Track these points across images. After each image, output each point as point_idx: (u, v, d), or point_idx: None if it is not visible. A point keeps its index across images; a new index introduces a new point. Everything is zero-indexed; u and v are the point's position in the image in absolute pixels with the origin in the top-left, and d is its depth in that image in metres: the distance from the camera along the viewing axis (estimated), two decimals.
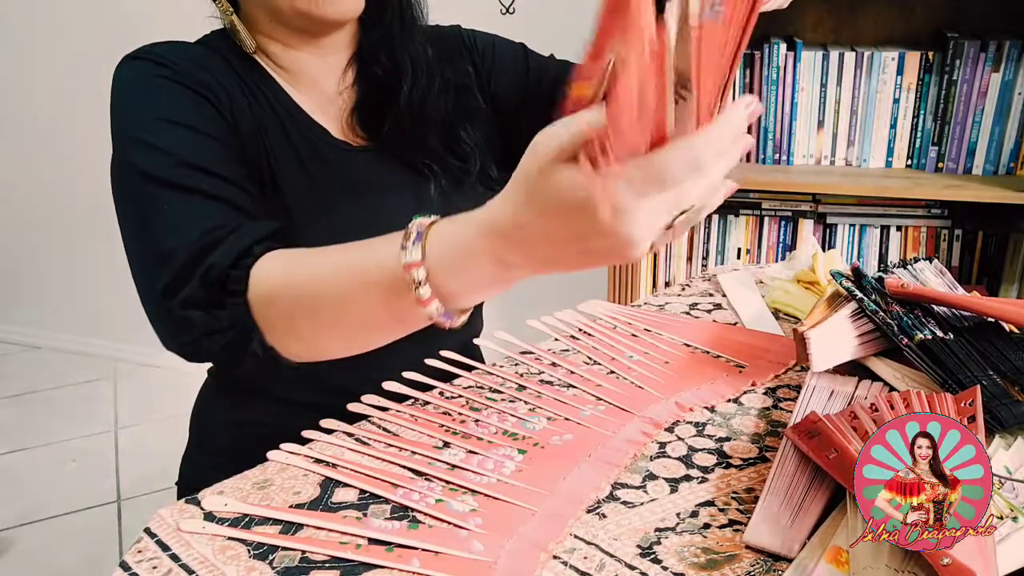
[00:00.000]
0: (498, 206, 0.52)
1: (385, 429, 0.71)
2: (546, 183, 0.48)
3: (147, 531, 0.58)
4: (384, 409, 0.73)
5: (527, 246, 0.51)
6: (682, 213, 0.49)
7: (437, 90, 0.88)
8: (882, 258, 1.72)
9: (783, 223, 1.75)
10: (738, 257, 1.78)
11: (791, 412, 0.71)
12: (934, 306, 0.78)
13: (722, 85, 0.45)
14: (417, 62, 0.87)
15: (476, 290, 0.57)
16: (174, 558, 0.55)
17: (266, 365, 0.67)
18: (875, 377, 0.74)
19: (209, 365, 0.93)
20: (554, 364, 0.82)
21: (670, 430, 0.70)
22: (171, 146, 0.71)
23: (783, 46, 1.66)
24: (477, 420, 0.71)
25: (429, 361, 0.80)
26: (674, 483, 0.63)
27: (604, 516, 0.59)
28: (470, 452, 0.67)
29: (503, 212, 0.52)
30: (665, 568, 0.53)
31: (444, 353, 0.82)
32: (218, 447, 0.91)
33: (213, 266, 0.65)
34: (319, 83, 0.86)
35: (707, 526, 0.58)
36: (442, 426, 0.71)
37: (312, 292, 0.63)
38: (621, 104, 0.42)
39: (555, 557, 0.55)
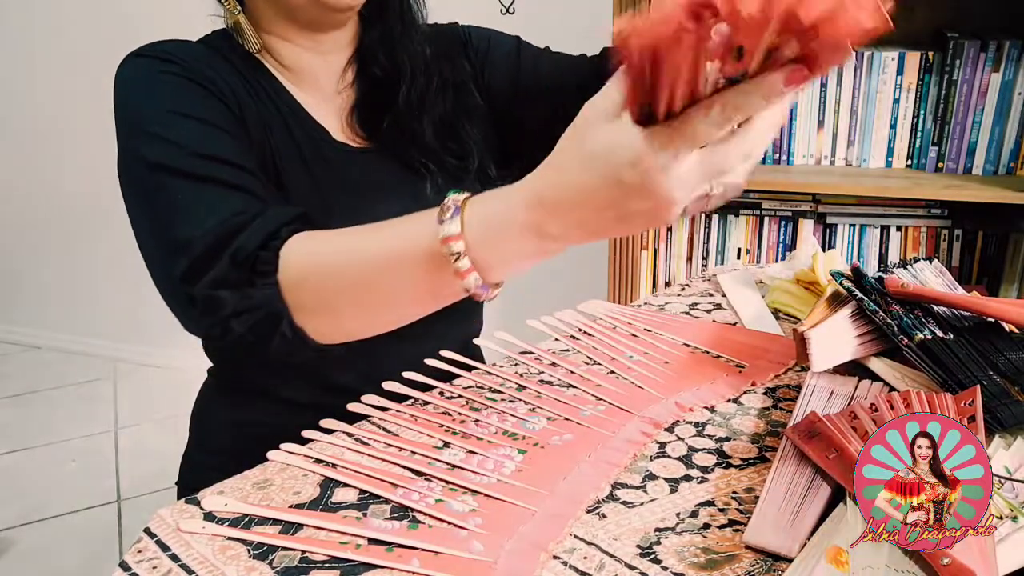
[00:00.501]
0: (541, 172, 0.54)
1: (385, 429, 0.71)
2: (593, 142, 0.50)
3: (147, 531, 0.58)
4: (384, 409, 0.73)
5: (568, 212, 0.53)
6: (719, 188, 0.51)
7: (435, 90, 0.88)
8: (882, 258, 1.72)
9: (783, 223, 1.75)
10: (738, 257, 1.78)
11: (791, 412, 0.71)
12: (934, 306, 0.78)
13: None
14: (416, 62, 0.87)
15: (513, 261, 0.58)
16: (174, 558, 0.55)
17: (293, 345, 0.67)
18: (875, 377, 0.74)
19: (210, 364, 0.93)
20: (554, 364, 0.82)
21: (670, 430, 0.70)
22: (183, 138, 0.71)
23: None
24: (477, 420, 0.71)
25: (429, 361, 0.80)
26: (674, 483, 0.63)
27: (604, 516, 0.59)
28: (470, 452, 0.66)
29: (546, 177, 0.53)
30: (665, 568, 0.53)
31: (444, 353, 0.82)
32: (218, 447, 0.91)
33: (241, 247, 0.65)
34: (320, 82, 0.86)
35: (707, 526, 0.57)
36: (442, 426, 0.71)
37: (345, 270, 0.63)
38: (657, 59, 0.43)
39: (555, 557, 0.55)
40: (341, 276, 0.64)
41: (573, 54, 0.95)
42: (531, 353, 0.85)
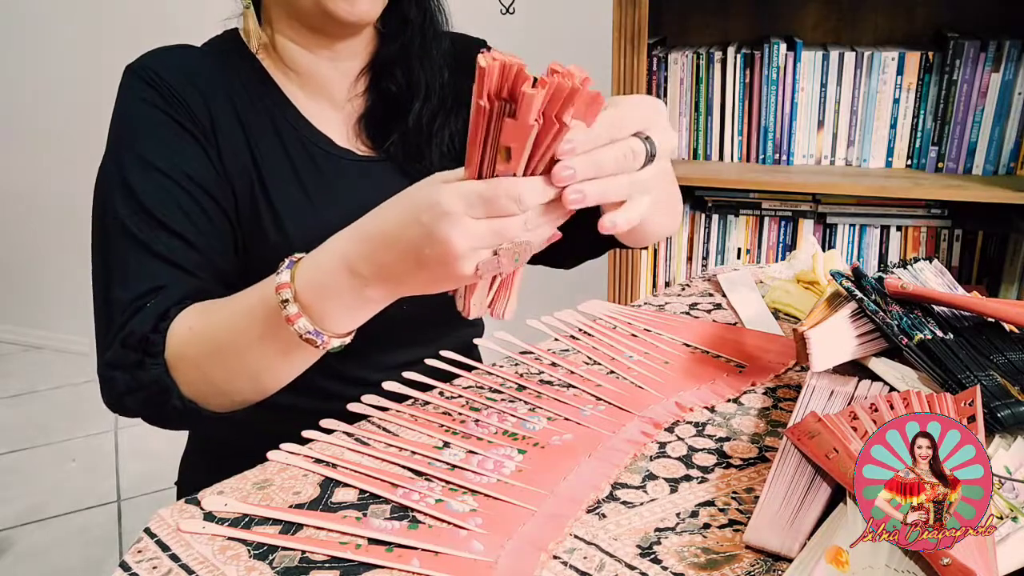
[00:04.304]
0: (365, 216, 0.61)
1: (385, 429, 0.71)
2: (418, 188, 0.57)
3: (147, 531, 0.58)
4: (384, 409, 0.73)
5: (375, 250, 0.59)
6: (508, 246, 0.56)
7: (448, 107, 0.89)
8: (882, 258, 1.72)
9: (783, 223, 1.75)
10: (738, 257, 1.78)
11: (791, 412, 0.71)
12: (934, 306, 0.78)
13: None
14: (432, 81, 0.88)
15: (339, 308, 0.62)
16: (174, 558, 0.55)
17: (187, 417, 0.71)
18: (875, 377, 0.74)
19: None
20: (554, 364, 0.82)
21: (670, 430, 0.70)
22: (142, 190, 0.74)
23: (783, 46, 1.66)
24: (477, 420, 0.71)
25: (429, 361, 0.80)
26: (674, 483, 0.63)
27: (604, 516, 0.59)
28: (470, 452, 0.66)
29: (370, 215, 0.60)
30: (665, 568, 0.53)
31: (444, 353, 0.82)
32: (217, 448, 0.91)
33: (133, 332, 0.69)
34: (329, 88, 0.86)
35: (707, 526, 0.58)
36: (442, 426, 0.71)
37: (212, 336, 0.68)
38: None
39: (555, 557, 0.55)
40: (208, 343, 0.68)
41: None
42: (531, 353, 0.85)
